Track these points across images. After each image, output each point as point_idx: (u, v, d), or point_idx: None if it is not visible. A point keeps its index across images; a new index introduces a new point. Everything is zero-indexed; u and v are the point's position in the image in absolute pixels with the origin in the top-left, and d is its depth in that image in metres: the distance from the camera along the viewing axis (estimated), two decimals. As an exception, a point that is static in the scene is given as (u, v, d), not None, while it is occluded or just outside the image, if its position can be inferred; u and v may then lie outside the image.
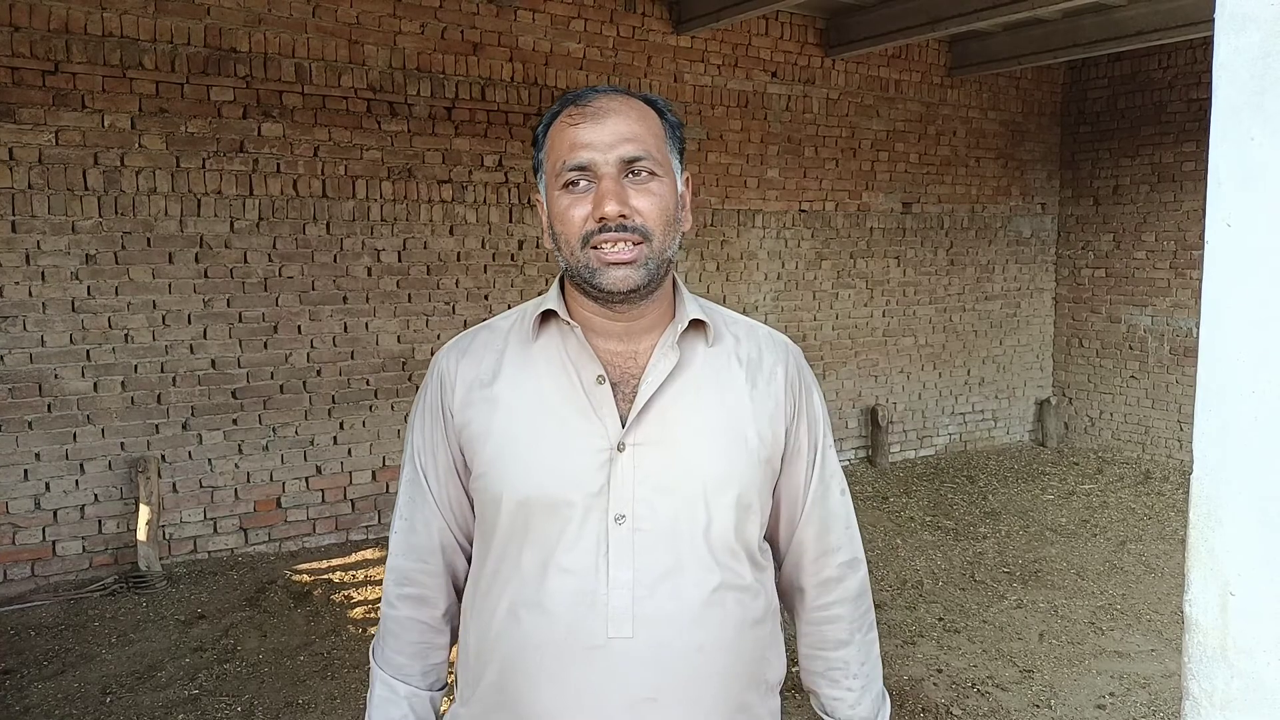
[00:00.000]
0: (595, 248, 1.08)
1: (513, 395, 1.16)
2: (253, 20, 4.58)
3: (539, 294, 5.43)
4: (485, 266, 5.37)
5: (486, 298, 5.39)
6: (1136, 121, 7.30)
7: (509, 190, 5.39)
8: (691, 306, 1.18)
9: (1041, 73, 7.64)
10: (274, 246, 4.74)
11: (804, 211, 6.55)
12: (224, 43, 4.52)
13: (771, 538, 1.26)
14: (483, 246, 5.35)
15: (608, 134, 1.08)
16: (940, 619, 4.15)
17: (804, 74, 6.45)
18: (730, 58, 6.12)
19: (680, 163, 1.17)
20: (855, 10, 6.15)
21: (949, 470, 6.94)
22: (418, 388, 5.20)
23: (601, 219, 1.07)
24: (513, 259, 5.45)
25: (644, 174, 1.09)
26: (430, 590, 1.24)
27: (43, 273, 4.23)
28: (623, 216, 1.07)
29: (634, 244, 1.08)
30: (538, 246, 5.52)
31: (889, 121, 6.89)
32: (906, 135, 6.99)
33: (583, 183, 1.09)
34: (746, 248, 6.29)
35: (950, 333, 7.42)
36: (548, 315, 1.18)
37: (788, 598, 1.30)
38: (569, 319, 1.15)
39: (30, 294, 4.20)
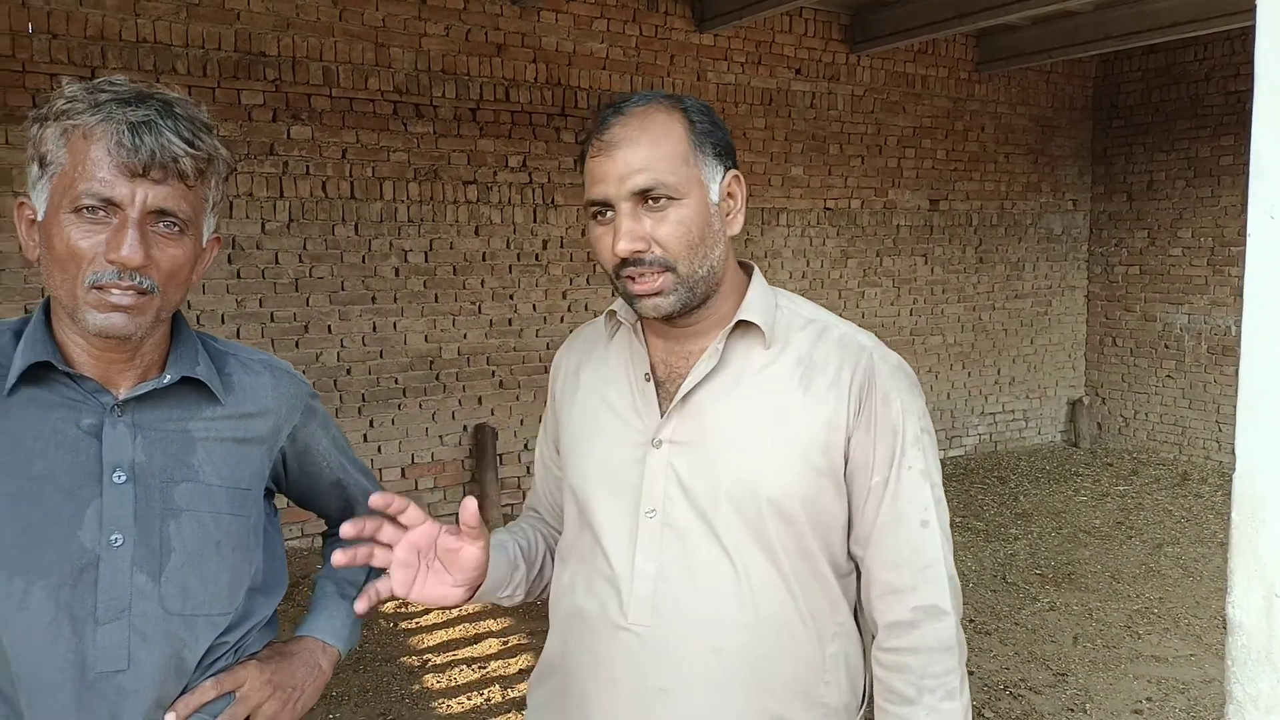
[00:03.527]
0: (626, 279, 1.10)
1: (588, 388, 1.25)
2: (281, 25, 4.63)
3: (563, 294, 5.36)
4: (510, 266, 5.39)
5: (511, 297, 5.41)
6: (1171, 115, 7.16)
7: (533, 190, 5.41)
8: (751, 307, 1.14)
9: (1072, 66, 7.53)
10: (304, 247, 4.79)
11: (829, 209, 6.51)
12: (254, 47, 4.57)
13: (853, 559, 1.19)
14: (508, 246, 5.37)
15: (618, 166, 1.07)
16: (971, 620, 4.10)
17: (828, 71, 6.40)
18: (753, 55, 6.09)
19: (721, 164, 1.13)
20: (880, 5, 6.09)
21: (979, 471, 6.86)
22: (445, 386, 5.25)
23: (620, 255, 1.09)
24: (537, 259, 5.47)
25: (660, 200, 1.07)
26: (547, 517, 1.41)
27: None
28: (639, 251, 1.07)
29: (657, 274, 1.08)
30: (562, 246, 5.54)
31: (915, 118, 6.82)
32: (933, 131, 6.92)
33: (607, 213, 1.10)
34: (771, 246, 6.26)
35: (979, 331, 7.34)
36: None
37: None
38: (625, 320, 1.20)
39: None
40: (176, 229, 1.01)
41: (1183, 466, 6.99)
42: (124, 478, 1.03)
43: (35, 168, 1.00)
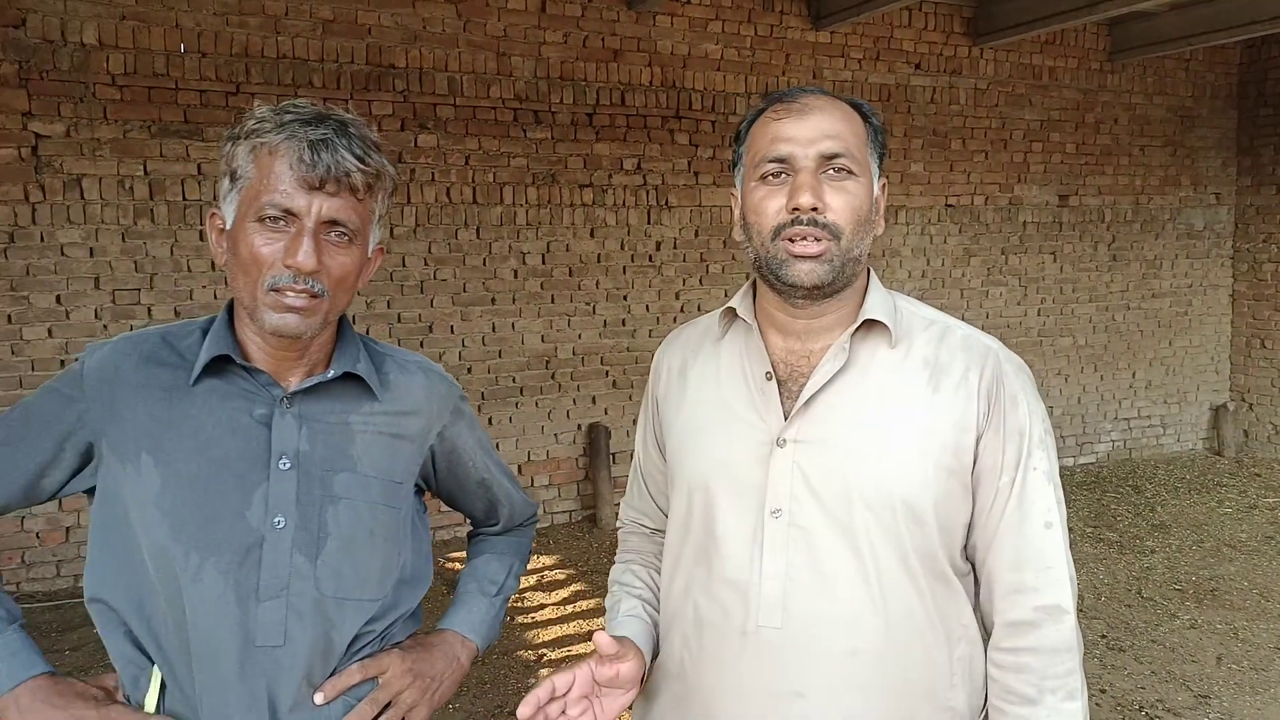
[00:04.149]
0: (786, 240, 1.09)
1: (698, 387, 1.23)
2: (409, 38, 4.83)
3: (676, 295, 5.37)
4: (624, 268, 5.45)
5: (625, 298, 5.47)
6: (1330, 100, 6.63)
7: (647, 193, 5.46)
8: (875, 306, 1.14)
9: (1214, 53, 7.05)
10: (429, 251, 4.98)
11: (950, 206, 6.31)
12: (383, 60, 4.79)
13: (970, 560, 1.18)
14: (622, 248, 5.44)
15: (809, 129, 1.09)
16: (1104, 636, 3.91)
17: (950, 64, 6.21)
18: (871, 51, 5.97)
19: (879, 167, 1.17)
20: (1006, -4, 5.88)
21: (1112, 479, 6.51)
22: (561, 385, 5.36)
23: (795, 210, 1.08)
24: (650, 260, 5.52)
25: (842, 172, 1.10)
26: (653, 525, 1.39)
27: (225, 279, 4.59)
28: (815, 210, 1.08)
29: (823, 239, 1.08)
30: (675, 247, 5.57)
31: (1043, 111, 6.54)
32: (1062, 124, 6.61)
33: (781, 175, 1.11)
34: (889, 245, 6.11)
35: (1113, 333, 6.96)
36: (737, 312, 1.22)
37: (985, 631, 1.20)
38: (745, 317, 1.18)
39: (215, 297, 4.59)
40: (346, 238, 1.10)
41: (1343, 480, 6.44)
42: (288, 464, 1.11)
43: (226, 181, 1.11)
